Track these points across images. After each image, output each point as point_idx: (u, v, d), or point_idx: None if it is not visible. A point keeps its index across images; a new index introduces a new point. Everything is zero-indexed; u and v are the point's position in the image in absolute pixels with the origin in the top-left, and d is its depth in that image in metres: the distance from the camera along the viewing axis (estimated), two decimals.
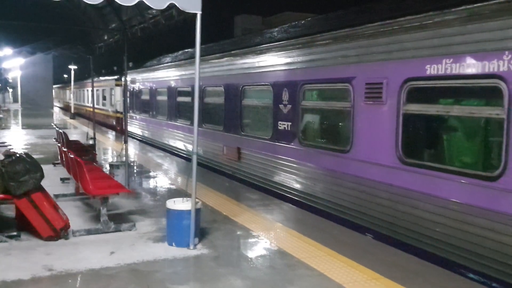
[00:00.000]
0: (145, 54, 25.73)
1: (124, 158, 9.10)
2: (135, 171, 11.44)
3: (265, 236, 6.27)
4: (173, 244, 5.74)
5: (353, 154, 7.33)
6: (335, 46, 7.79)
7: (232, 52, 11.58)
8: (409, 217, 6.29)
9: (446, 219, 5.74)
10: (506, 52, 4.97)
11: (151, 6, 5.41)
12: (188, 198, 5.90)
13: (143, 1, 5.25)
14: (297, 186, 8.84)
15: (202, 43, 5.73)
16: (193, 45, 5.72)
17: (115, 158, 12.75)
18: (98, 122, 21.50)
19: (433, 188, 5.90)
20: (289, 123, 8.98)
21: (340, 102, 7.83)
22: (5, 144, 12.19)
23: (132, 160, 12.86)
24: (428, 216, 6.00)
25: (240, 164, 10.95)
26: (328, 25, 8.69)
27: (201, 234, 6.07)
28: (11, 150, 8.62)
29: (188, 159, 13.92)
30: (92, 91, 12.66)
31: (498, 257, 5.11)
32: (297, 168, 8.80)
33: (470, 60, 5.42)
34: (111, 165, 9.32)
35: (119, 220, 6.74)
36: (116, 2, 5.30)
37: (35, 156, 6.78)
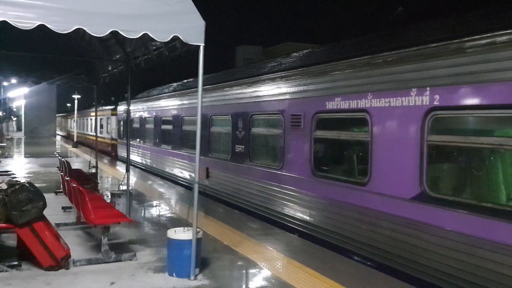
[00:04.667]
0: (148, 84, 26.32)
1: (126, 186, 9.11)
2: (136, 199, 11.43)
3: (267, 267, 6.23)
4: (174, 274, 5.71)
5: (284, 170, 9.15)
6: (272, 86, 9.79)
7: (203, 87, 12.53)
8: (320, 218, 8.04)
9: (340, 216, 7.53)
10: (369, 93, 6.92)
11: (156, 39, 5.55)
12: (189, 228, 5.89)
13: (147, 34, 5.39)
14: (249, 199, 10.50)
15: (203, 73, 5.86)
16: (195, 75, 5.84)
17: (114, 186, 12.77)
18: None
19: (331, 193, 7.74)
20: (243, 146, 10.90)
21: (276, 129, 9.67)
22: (9, 172, 12.22)
23: (133, 188, 12.86)
24: (331, 215, 7.77)
25: (208, 181, 12.60)
26: (269, 68, 10.77)
27: (202, 264, 6.04)
28: (14, 179, 8.64)
29: (170, 180, 15.38)
30: (96, 120, 12.79)
31: (367, 241, 6.92)
32: (248, 184, 10.54)
33: (349, 99, 7.39)
34: (112, 194, 9.33)
35: (120, 249, 6.72)
36: (121, 35, 5.43)
37: (37, 185, 6.81)
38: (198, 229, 5.78)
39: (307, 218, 8.38)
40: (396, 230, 6.34)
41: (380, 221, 6.63)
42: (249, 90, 10.67)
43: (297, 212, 8.69)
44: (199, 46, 5.66)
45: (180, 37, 5.52)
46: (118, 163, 21.87)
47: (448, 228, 5.59)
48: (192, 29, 5.57)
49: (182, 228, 5.98)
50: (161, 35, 5.50)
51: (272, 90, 9.73)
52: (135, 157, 20.93)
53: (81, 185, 7.01)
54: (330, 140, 8.17)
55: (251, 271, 6.09)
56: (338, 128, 7.91)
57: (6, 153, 25.01)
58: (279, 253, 6.88)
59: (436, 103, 5.84)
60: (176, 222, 8.77)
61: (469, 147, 5.68)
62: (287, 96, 9.13)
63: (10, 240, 6.90)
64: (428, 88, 5.94)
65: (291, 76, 9.07)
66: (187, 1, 5.57)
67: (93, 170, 12.68)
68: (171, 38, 5.54)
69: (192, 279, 5.62)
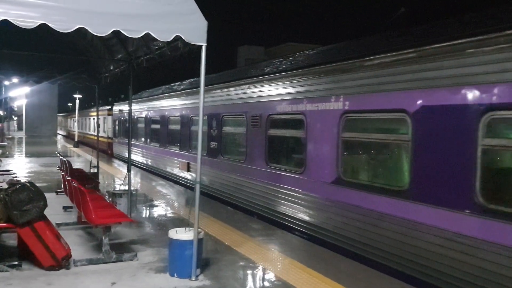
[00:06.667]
0: (149, 84, 26.53)
1: (127, 186, 9.09)
2: (136, 199, 11.40)
3: (268, 267, 6.22)
4: (175, 275, 5.69)
5: (246, 163, 10.75)
6: (237, 91, 11.46)
7: (184, 91, 15.70)
8: (273, 202, 9.57)
9: (286, 198, 9.04)
10: (305, 99, 8.52)
11: (158, 38, 5.53)
12: (190, 228, 5.87)
13: (149, 33, 5.37)
14: (221, 189, 12.05)
15: (205, 73, 5.84)
16: (197, 75, 5.82)
17: (115, 186, 12.75)
18: (95, 146, 23.29)
19: (280, 181, 9.31)
20: (216, 143, 12.51)
21: (241, 128, 11.18)
22: (10, 172, 12.20)
23: (133, 187, 12.84)
24: (280, 198, 9.30)
25: (190, 175, 14.29)
26: (235, 75, 12.57)
27: (203, 264, 6.02)
28: (15, 179, 8.63)
29: (154, 173, 16.67)
30: (97, 119, 12.78)
31: (306, 219, 8.40)
32: (220, 175, 12.12)
33: (292, 104, 8.99)
34: (113, 194, 9.30)
35: (121, 249, 6.70)
36: (123, 34, 5.41)
37: (38, 184, 6.79)
38: (199, 229, 5.76)
39: (264, 203, 9.92)
40: (323, 209, 7.95)
41: (313, 203, 8.22)
42: (222, 93, 12.33)
43: (258, 198, 10.17)
44: (201, 46, 5.65)
45: (182, 37, 5.51)
46: (116, 161, 22.12)
47: (354, 204, 7.17)
48: (194, 29, 5.55)
49: (184, 228, 5.96)
50: (163, 35, 5.48)
51: (239, 95, 11.38)
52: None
53: (82, 184, 7.00)
54: (279, 137, 9.79)
55: (253, 271, 6.07)
56: (284, 127, 9.62)
57: (7, 153, 25.00)
58: (280, 254, 6.86)
59: (346, 107, 7.44)
60: (177, 222, 8.75)
61: (366, 141, 7.34)
62: (249, 100, 10.74)
63: (11, 239, 6.89)
64: (342, 96, 7.57)
65: (253, 83, 10.72)
66: (190, 1, 5.55)
67: (94, 170, 12.66)
68: (173, 38, 5.52)
69: (193, 279, 5.61)
